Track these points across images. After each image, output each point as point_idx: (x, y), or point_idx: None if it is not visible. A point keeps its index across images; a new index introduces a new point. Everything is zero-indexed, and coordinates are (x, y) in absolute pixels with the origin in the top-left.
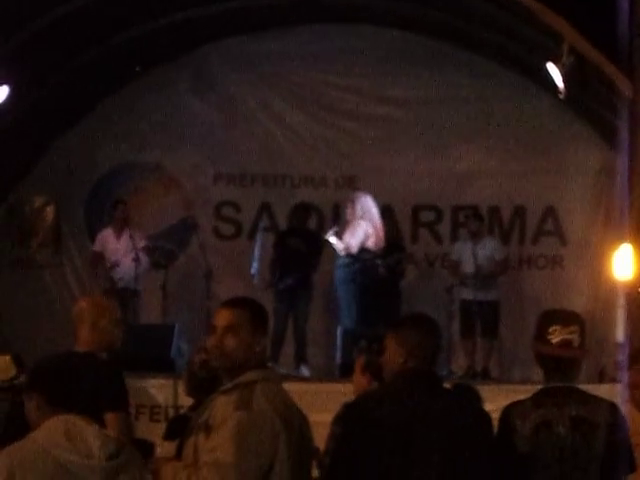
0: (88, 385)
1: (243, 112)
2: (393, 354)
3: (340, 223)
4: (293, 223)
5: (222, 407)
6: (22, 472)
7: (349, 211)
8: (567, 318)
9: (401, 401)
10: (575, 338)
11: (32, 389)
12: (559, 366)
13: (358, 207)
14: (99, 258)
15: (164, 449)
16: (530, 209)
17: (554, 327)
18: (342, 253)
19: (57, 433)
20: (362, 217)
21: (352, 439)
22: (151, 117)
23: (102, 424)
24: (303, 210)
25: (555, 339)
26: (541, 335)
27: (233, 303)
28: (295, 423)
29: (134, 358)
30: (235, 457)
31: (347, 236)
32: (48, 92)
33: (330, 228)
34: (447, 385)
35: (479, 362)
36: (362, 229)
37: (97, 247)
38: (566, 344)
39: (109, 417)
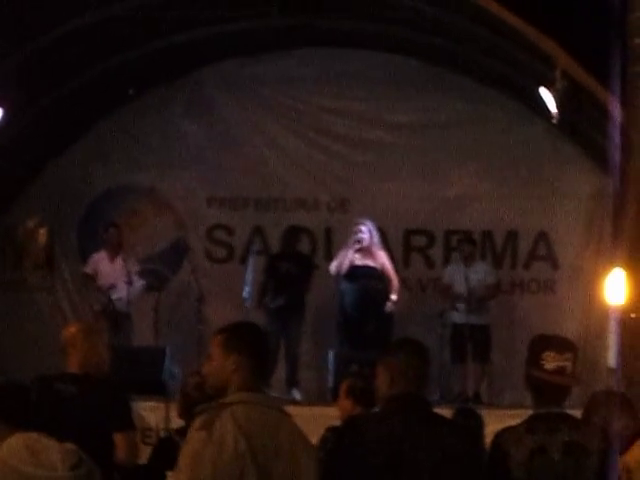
0: (90, 405)
1: (237, 135)
2: (381, 379)
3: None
4: (284, 246)
5: (192, 428)
6: None
7: (365, 236)
8: (562, 345)
9: (387, 425)
10: (568, 365)
11: None
12: (550, 392)
13: (375, 234)
14: (90, 281)
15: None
16: (522, 233)
17: (548, 353)
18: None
19: (20, 450)
20: (378, 243)
21: (339, 463)
22: (145, 140)
23: (110, 444)
24: (293, 233)
25: (549, 365)
26: (534, 360)
27: (216, 331)
28: (270, 446)
29: (125, 380)
30: (190, 477)
31: (386, 261)
32: (42, 114)
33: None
34: (443, 410)
35: (471, 386)
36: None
37: (88, 269)
38: (560, 371)
39: (117, 437)
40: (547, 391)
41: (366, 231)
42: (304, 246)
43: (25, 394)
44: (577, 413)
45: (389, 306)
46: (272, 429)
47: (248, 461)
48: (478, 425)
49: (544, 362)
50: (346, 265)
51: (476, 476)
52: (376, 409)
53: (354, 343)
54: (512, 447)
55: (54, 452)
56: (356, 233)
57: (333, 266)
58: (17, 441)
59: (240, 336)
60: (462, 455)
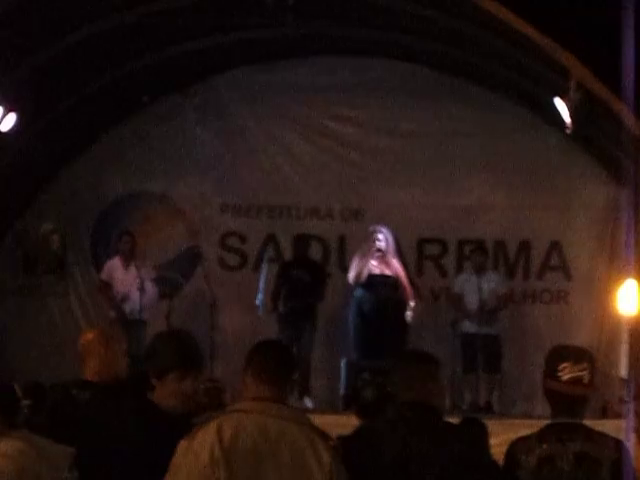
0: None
1: (250, 143)
2: (393, 388)
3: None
4: (295, 254)
5: None
6: None
7: (383, 244)
8: (578, 355)
9: (395, 432)
10: (585, 375)
11: None
12: (568, 403)
13: (390, 241)
14: (106, 287)
15: None
16: (535, 244)
17: (564, 364)
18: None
19: (27, 449)
20: (393, 251)
21: (350, 471)
22: (158, 147)
23: None
24: (302, 241)
25: (565, 376)
26: (551, 371)
27: None
28: (263, 454)
29: None
30: None
31: (400, 269)
32: (55, 120)
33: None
34: (455, 419)
35: (482, 396)
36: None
37: (104, 276)
38: (576, 381)
39: None
40: (563, 402)
41: (383, 239)
42: (317, 254)
43: (14, 395)
44: (590, 423)
45: (409, 315)
46: (271, 437)
47: (222, 468)
48: (483, 434)
49: (561, 373)
50: (365, 274)
51: None
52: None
53: (369, 351)
54: (523, 455)
55: (58, 453)
56: (374, 241)
57: (352, 276)
58: (21, 440)
59: (251, 351)
60: (468, 462)
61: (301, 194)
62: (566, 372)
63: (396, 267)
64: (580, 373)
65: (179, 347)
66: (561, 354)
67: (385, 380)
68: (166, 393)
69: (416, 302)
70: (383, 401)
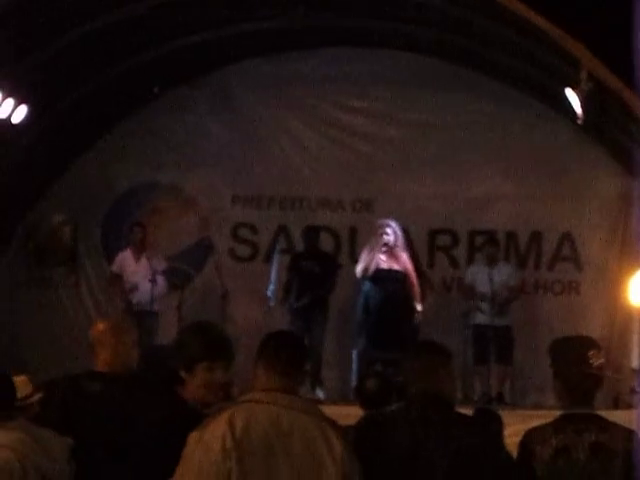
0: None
1: (261, 134)
2: (404, 379)
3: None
4: (306, 245)
5: None
6: None
7: (391, 238)
8: (595, 342)
9: (405, 422)
10: (604, 362)
11: None
12: (597, 387)
13: (399, 235)
14: (117, 279)
15: None
16: (547, 234)
17: (592, 351)
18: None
19: (28, 440)
20: (402, 245)
21: (360, 460)
22: (169, 138)
23: None
24: (312, 232)
25: (596, 362)
26: (581, 359)
27: None
28: (275, 445)
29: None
30: (178, 477)
31: (408, 264)
32: (66, 112)
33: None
34: (467, 410)
35: (494, 387)
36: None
37: (115, 268)
38: (602, 366)
39: None
40: (592, 388)
41: (391, 233)
42: (328, 245)
43: (10, 385)
44: (602, 414)
45: (416, 317)
46: (283, 428)
47: (233, 459)
48: (497, 425)
49: (592, 360)
50: (373, 268)
51: (493, 474)
52: (393, 407)
53: (379, 344)
54: (538, 446)
55: (56, 444)
56: (381, 235)
57: (359, 269)
58: (20, 431)
59: (263, 342)
60: (479, 453)
61: (312, 185)
62: (596, 359)
63: (405, 261)
64: (602, 359)
65: (206, 338)
66: (587, 343)
67: (396, 371)
68: (196, 384)
69: (424, 303)
70: (386, 392)
